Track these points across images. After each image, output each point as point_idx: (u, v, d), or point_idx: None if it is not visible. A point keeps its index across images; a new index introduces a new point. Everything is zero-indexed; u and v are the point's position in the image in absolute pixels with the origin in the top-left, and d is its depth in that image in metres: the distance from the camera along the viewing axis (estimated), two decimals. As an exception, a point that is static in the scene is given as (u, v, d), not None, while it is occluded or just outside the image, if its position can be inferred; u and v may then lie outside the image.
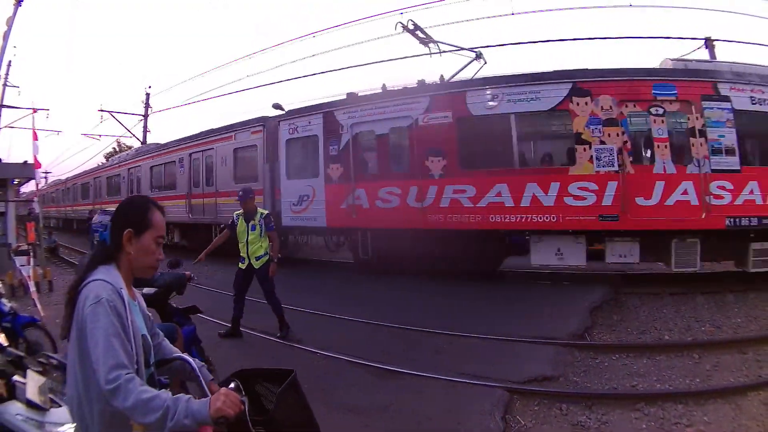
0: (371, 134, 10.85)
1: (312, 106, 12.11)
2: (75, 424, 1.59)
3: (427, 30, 12.03)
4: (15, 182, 14.52)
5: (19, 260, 9.64)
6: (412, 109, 10.10)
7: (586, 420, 4.15)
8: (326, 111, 11.52)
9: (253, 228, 6.48)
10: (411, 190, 10.04)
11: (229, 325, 6.66)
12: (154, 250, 1.72)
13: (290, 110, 12.66)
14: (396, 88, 11.07)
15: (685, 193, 8.13)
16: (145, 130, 24.59)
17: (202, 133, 15.54)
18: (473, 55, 11.81)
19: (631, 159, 8.45)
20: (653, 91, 8.35)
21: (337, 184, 11.22)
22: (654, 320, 6.90)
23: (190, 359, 1.85)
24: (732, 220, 7.99)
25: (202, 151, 15.23)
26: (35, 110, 16.46)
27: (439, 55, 12.28)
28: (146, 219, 1.72)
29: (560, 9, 14.13)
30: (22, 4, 14.12)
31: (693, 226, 8.11)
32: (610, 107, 8.47)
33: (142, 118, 24.48)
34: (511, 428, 4.07)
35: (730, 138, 8.15)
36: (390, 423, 4.14)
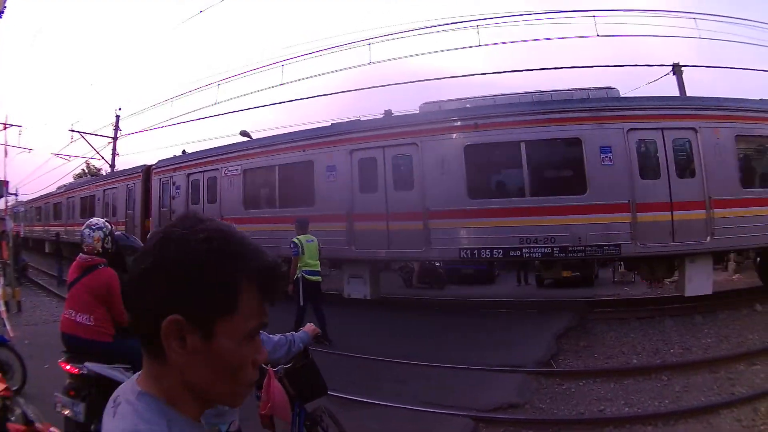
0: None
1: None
2: None
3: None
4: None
5: None
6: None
7: (552, 447, 4.00)
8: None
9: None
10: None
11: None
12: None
13: None
14: None
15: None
16: (114, 153, 23.97)
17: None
18: None
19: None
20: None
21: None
22: (621, 345, 6.86)
23: None
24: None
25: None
26: (6, 125, 15.99)
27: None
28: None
29: (528, 40, 14.52)
30: (2, 16, 13.69)
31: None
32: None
33: (111, 140, 23.88)
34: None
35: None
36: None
